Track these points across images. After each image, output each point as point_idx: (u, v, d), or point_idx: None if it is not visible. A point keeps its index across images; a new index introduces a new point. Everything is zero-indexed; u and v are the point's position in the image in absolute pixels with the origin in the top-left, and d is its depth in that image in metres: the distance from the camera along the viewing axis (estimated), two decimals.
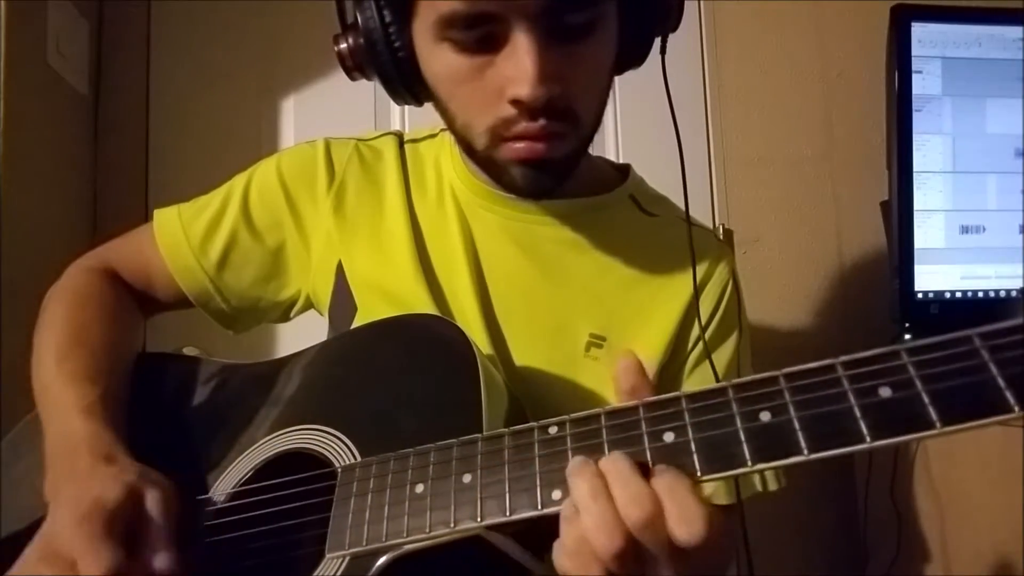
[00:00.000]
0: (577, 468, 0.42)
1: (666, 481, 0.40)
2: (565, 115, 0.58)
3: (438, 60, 0.58)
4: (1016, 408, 0.35)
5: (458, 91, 0.59)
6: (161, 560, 0.50)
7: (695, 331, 0.70)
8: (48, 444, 0.58)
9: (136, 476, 0.53)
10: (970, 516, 1.06)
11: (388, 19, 0.59)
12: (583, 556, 0.41)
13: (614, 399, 0.66)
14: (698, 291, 0.69)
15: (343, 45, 0.62)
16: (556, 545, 0.43)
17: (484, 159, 0.63)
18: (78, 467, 0.54)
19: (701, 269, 0.71)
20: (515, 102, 0.56)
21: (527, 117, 0.57)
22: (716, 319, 0.72)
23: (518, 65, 0.54)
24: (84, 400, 0.60)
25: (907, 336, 1.28)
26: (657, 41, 0.64)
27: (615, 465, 0.41)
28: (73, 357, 0.64)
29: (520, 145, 0.58)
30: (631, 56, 0.64)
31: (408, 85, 0.62)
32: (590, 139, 0.64)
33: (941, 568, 1.11)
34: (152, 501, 0.53)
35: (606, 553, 0.39)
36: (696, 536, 0.38)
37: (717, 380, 0.67)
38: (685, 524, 0.38)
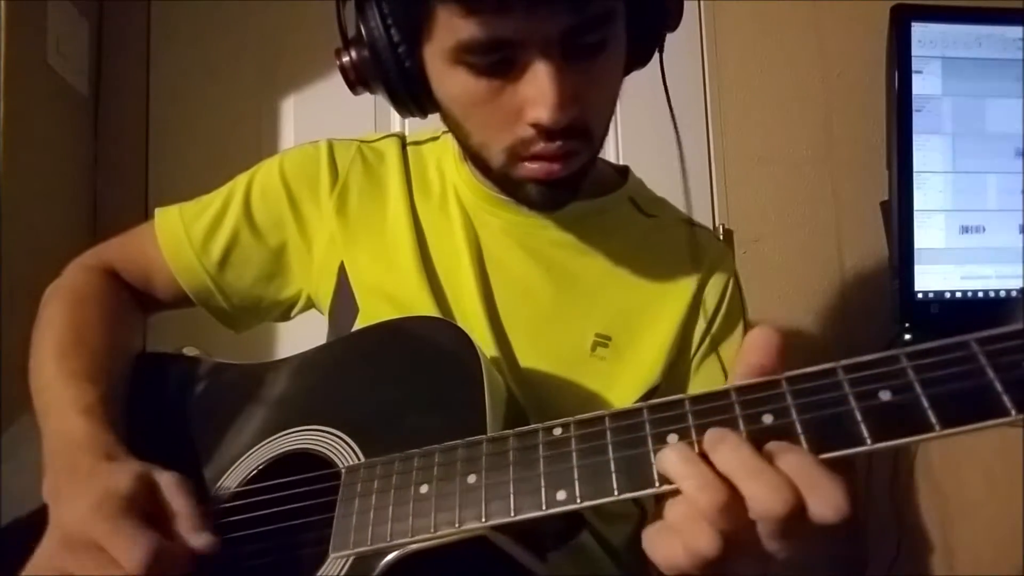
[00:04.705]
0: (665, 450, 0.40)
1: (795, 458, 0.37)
2: (582, 134, 0.59)
3: (453, 82, 0.57)
4: (1013, 412, 0.35)
5: (474, 112, 0.59)
6: (200, 540, 0.50)
7: (699, 330, 0.71)
8: (46, 443, 0.58)
9: (142, 467, 0.53)
10: (970, 516, 1.07)
11: (397, 37, 0.58)
12: (687, 524, 0.37)
13: (619, 399, 0.67)
14: (701, 289, 0.69)
15: (346, 59, 0.61)
16: (649, 533, 0.40)
17: (500, 176, 0.63)
18: (79, 466, 0.53)
19: (702, 269, 0.72)
20: (535, 125, 0.56)
21: (545, 139, 0.57)
22: (719, 316, 0.72)
23: (539, 91, 0.54)
24: (83, 399, 0.59)
25: (907, 336, 1.28)
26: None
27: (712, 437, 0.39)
28: (73, 356, 0.64)
29: (536, 165, 0.59)
30: (637, 58, 0.64)
31: (416, 100, 0.62)
32: (600, 148, 0.64)
33: (941, 568, 1.12)
34: (167, 487, 0.52)
35: (712, 509, 0.36)
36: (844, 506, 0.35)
37: (725, 374, 0.67)
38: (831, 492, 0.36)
